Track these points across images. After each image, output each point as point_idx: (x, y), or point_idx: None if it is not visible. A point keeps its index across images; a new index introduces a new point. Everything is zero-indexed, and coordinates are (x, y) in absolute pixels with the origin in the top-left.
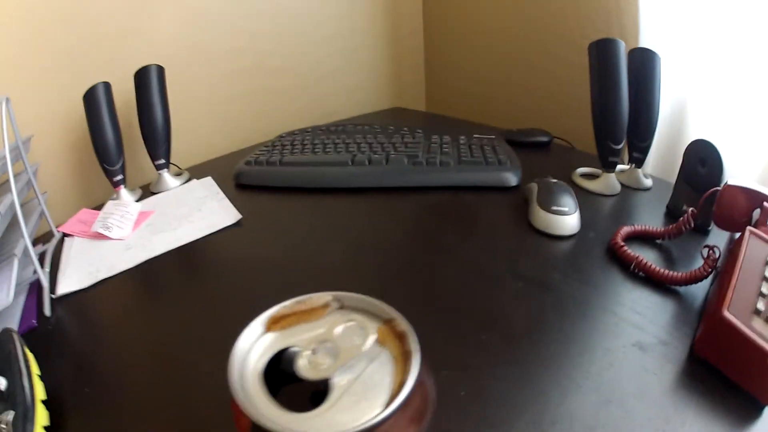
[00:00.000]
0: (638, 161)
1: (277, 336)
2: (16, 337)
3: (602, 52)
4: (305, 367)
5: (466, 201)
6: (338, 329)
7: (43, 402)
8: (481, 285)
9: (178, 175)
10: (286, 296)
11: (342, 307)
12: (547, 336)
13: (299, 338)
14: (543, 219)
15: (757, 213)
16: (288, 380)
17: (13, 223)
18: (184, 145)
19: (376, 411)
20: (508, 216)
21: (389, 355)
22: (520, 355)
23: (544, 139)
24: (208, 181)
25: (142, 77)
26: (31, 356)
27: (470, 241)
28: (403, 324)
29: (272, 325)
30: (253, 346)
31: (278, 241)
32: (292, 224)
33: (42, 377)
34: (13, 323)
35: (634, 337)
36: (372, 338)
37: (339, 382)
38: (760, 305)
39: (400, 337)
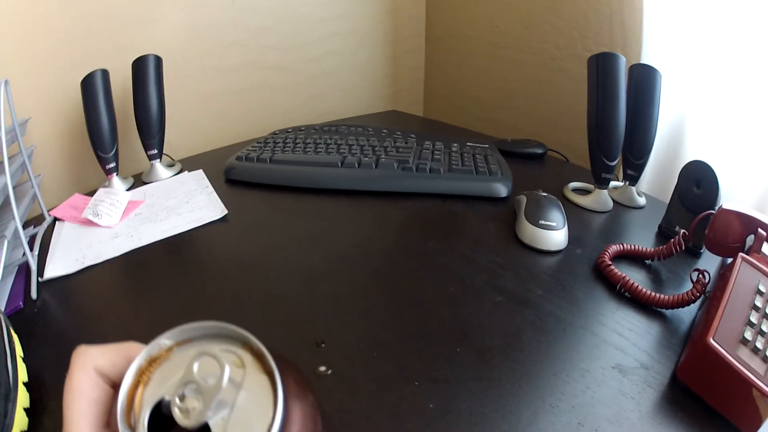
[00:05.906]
0: (632, 179)
1: (146, 392)
2: (2, 318)
3: (602, 66)
4: (180, 416)
5: (453, 210)
6: (195, 366)
7: (25, 384)
8: (460, 296)
9: (170, 166)
10: (261, 298)
11: (187, 341)
12: (523, 354)
13: (164, 387)
14: (529, 233)
15: (750, 239)
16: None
17: (5, 205)
18: (178, 136)
19: None
20: (495, 227)
21: (254, 379)
22: (493, 371)
23: (539, 150)
24: (199, 174)
25: (139, 66)
26: (16, 338)
27: (454, 251)
28: (256, 343)
29: (134, 389)
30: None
31: (261, 240)
32: (278, 223)
33: (24, 359)
34: (0, 304)
35: (614, 359)
36: (229, 367)
37: (216, 422)
38: (748, 335)
39: (259, 358)
